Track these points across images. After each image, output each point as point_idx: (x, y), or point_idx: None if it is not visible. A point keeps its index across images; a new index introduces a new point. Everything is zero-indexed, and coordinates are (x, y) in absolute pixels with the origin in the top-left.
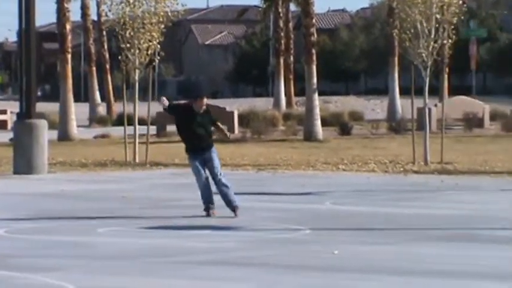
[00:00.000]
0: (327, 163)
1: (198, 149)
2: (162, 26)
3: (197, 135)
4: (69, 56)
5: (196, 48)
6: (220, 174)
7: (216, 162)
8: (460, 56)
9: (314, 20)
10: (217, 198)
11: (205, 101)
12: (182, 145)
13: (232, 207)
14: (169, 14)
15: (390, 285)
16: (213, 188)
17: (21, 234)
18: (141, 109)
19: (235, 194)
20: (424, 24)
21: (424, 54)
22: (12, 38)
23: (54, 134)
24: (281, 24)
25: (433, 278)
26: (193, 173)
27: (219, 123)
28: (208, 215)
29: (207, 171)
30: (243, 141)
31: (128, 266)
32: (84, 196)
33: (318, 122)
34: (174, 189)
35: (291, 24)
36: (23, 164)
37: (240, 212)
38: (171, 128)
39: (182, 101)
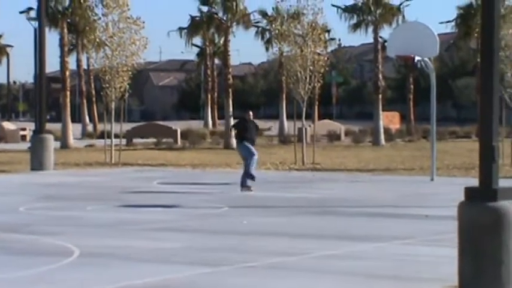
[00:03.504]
0: (239, 163)
1: (251, 142)
2: (130, 73)
3: (250, 134)
4: (68, 93)
5: (152, 88)
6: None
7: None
8: (325, 94)
9: (230, 70)
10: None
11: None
12: (143, 152)
13: (252, 178)
14: (135, 65)
15: (274, 243)
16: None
17: (35, 210)
18: (116, 127)
19: (177, 183)
20: (302, 73)
21: (302, 93)
22: (30, 80)
23: (57, 144)
24: (209, 72)
25: (299, 238)
26: (247, 154)
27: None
28: (250, 190)
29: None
30: (183, 149)
31: (109, 232)
32: (78, 185)
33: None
34: (136, 180)
35: (215, 72)
36: (37, 163)
37: (180, 197)
38: (136, 140)
39: (236, 120)
